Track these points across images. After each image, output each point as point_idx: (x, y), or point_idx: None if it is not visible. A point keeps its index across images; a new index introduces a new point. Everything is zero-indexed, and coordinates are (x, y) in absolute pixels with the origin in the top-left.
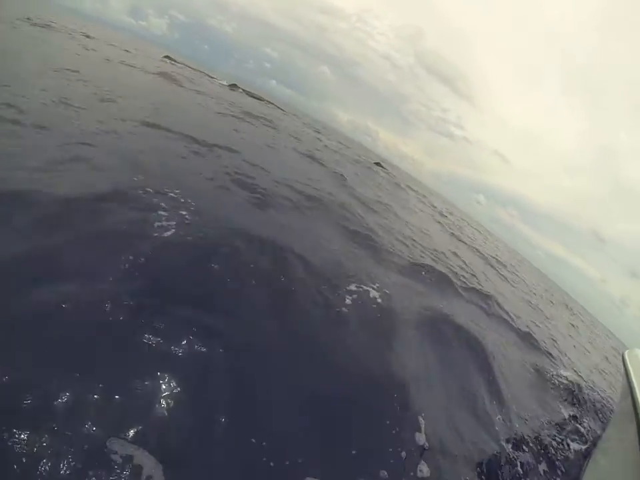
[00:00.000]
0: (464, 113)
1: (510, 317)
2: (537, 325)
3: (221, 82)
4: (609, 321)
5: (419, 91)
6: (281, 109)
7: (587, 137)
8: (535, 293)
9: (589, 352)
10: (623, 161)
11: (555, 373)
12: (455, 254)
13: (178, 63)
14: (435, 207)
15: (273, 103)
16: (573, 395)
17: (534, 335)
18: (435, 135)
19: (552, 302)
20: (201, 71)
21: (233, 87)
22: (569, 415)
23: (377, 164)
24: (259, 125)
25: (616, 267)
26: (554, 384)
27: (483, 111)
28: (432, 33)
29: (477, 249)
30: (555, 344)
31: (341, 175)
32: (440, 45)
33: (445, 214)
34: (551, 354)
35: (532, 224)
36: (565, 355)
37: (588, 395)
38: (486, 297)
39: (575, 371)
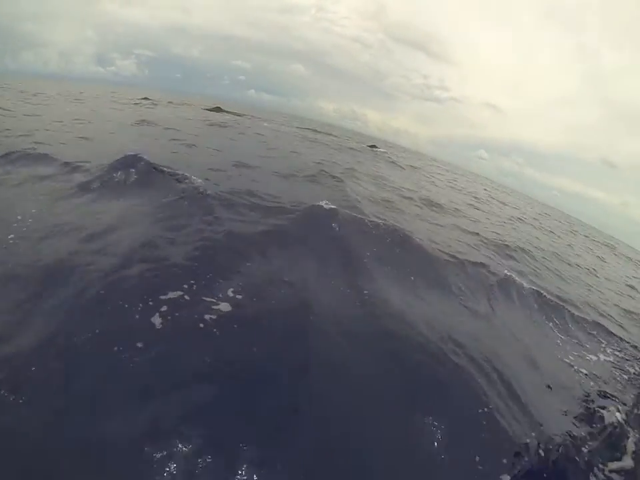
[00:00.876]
0: (445, 74)
1: None
2: None
3: (205, 107)
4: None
5: (395, 65)
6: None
7: (572, 65)
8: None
9: None
10: (612, 81)
11: None
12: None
13: (156, 101)
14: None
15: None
16: None
17: None
18: (422, 103)
19: None
20: (187, 104)
21: (217, 109)
22: None
23: (372, 146)
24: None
25: (633, 187)
26: None
27: (462, 65)
28: (393, 4)
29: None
30: None
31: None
32: (404, 13)
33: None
34: None
35: (539, 166)
36: None
37: None
38: None
39: None
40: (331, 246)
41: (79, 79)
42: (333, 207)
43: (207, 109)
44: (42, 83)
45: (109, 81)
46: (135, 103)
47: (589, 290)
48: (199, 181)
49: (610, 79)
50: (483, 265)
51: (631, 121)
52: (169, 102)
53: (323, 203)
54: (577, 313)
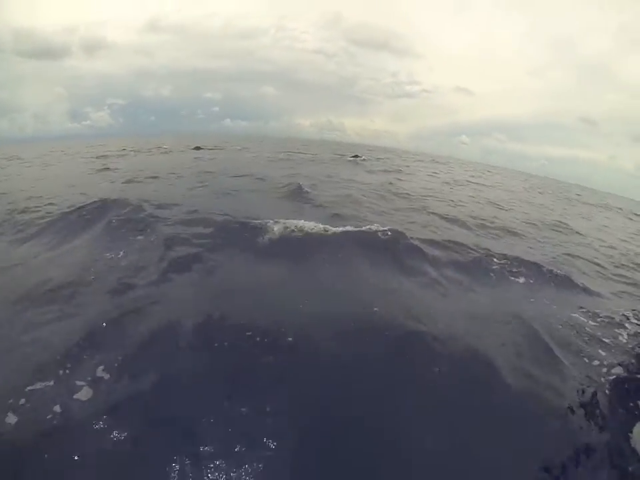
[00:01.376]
0: (412, 68)
1: None
2: None
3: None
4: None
5: (362, 68)
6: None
7: (534, 36)
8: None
9: None
10: (576, 43)
11: None
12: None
13: (135, 151)
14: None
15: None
16: None
17: None
18: (396, 101)
19: None
20: (162, 147)
21: (197, 148)
22: None
23: (355, 157)
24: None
25: (617, 139)
26: None
27: (427, 56)
28: (349, 9)
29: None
30: None
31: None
32: (360, 16)
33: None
34: None
35: (522, 139)
36: None
37: None
38: None
39: None
40: None
41: (56, 137)
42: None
43: (191, 149)
44: (17, 148)
45: (85, 135)
46: (97, 157)
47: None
48: None
49: (576, 41)
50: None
51: (601, 77)
52: (149, 149)
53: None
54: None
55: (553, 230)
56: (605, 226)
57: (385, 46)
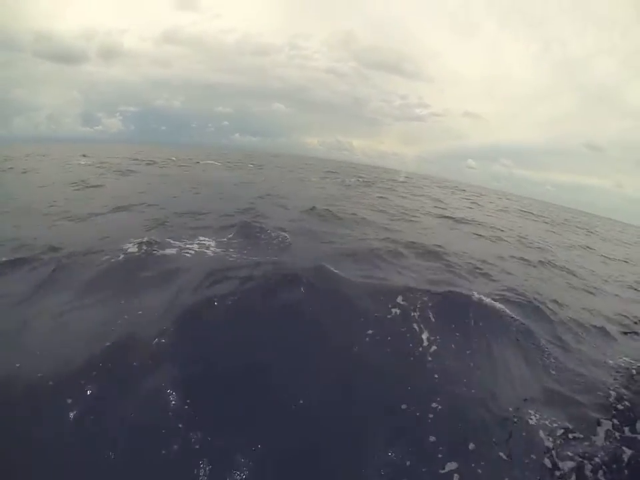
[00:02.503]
0: (422, 91)
1: None
2: None
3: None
4: None
5: (373, 90)
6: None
7: (541, 60)
8: None
9: None
10: (584, 67)
11: None
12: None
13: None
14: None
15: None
16: None
17: None
18: (404, 123)
19: None
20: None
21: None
22: None
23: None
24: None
25: (623, 166)
26: None
27: (437, 80)
28: (361, 30)
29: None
30: None
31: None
32: (373, 37)
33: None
34: None
35: (528, 164)
36: None
37: None
38: None
39: None
40: None
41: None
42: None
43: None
44: (32, 148)
45: (96, 139)
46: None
47: None
48: None
49: (580, 66)
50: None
51: (608, 102)
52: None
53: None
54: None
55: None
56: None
57: (396, 68)
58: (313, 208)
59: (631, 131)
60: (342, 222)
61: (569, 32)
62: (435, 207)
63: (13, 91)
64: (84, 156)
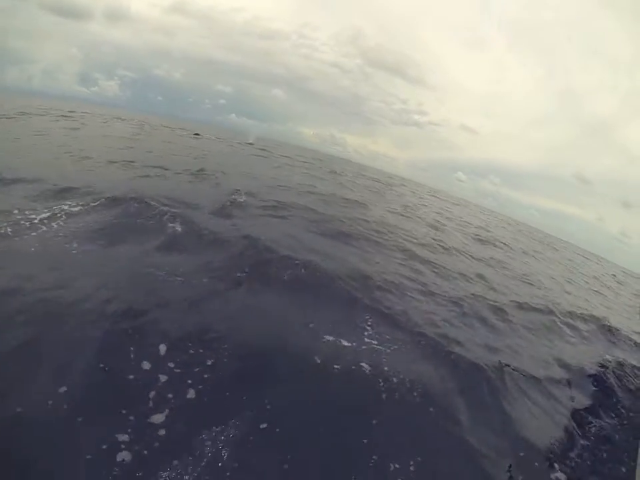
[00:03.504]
0: (423, 98)
1: None
2: None
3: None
4: (618, 257)
5: (374, 89)
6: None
7: (544, 86)
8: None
9: None
10: (584, 100)
11: None
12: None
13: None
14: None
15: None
16: None
17: None
18: (401, 128)
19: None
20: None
21: (197, 135)
22: None
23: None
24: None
25: (607, 202)
26: None
27: (439, 89)
28: (371, 29)
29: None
30: None
31: None
32: (381, 38)
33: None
34: None
35: (516, 185)
36: None
37: None
38: None
39: None
40: None
41: (60, 97)
42: None
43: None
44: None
45: (91, 100)
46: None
47: None
48: None
49: (581, 98)
50: None
51: (603, 137)
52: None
53: None
54: None
55: None
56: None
57: (400, 71)
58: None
59: (619, 169)
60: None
61: (575, 64)
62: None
63: (12, 41)
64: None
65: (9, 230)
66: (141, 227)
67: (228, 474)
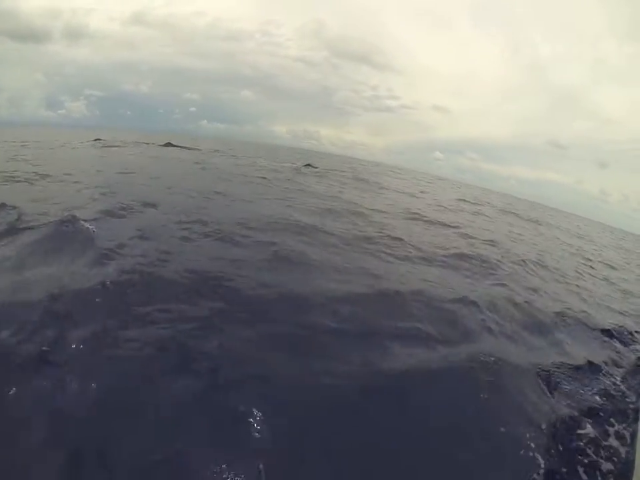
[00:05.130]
0: (392, 83)
1: None
2: None
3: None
4: (600, 216)
5: (343, 79)
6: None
7: (512, 60)
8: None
9: None
10: (553, 70)
11: None
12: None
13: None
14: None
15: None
16: None
17: None
18: (374, 114)
19: None
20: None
21: (168, 144)
22: None
23: (307, 165)
24: None
25: (585, 165)
26: None
27: (408, 73)
28: (334, 20)
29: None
30: None
31: None
32: (344, 27)
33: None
34: None
35: (494, 159)
36: None
37: None
38: None
39: None
40: None
41: (29, 123)
42: None
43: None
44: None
45: (60, 124)
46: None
47: None
48: None
49: (549, 68)
50: None
51: (573, 104)
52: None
53: None
54: None
55: None
56: None
57: (367, 59)
58: None
59: (592, 132)
60: None
61: (541, 36)
62: None
63: None
64: None
65: None
66: None
67: None
